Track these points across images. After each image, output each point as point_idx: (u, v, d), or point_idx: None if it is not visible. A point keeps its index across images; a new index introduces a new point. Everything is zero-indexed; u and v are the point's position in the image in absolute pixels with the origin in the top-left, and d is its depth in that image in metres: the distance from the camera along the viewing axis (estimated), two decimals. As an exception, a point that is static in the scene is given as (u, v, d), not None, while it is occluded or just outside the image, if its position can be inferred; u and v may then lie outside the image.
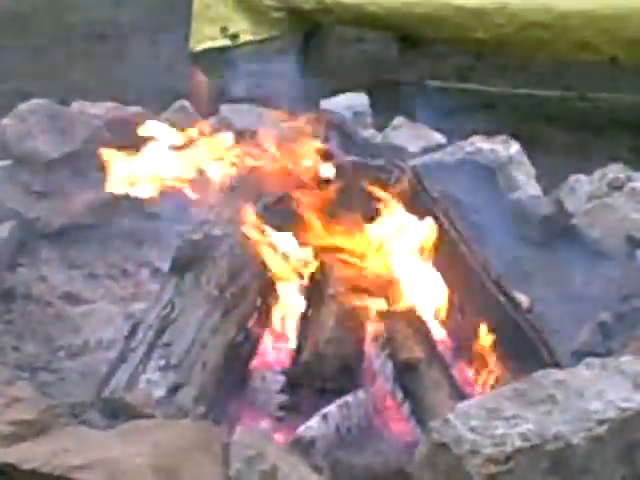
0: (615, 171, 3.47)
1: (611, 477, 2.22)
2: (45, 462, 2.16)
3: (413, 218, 2.78)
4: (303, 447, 2.37)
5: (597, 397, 2.23)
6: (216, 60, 4.88)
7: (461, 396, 2.55)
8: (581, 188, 3.44)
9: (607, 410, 2.19)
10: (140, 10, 6.60)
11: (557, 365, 2.62)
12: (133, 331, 2.66)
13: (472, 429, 2.11)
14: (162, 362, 2.54)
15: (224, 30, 4.79)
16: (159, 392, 2.48)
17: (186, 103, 3.75)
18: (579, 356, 2.70)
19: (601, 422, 2.17)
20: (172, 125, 3.61)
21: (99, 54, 5.91)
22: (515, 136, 3.73)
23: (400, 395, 2.60)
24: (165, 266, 3.00)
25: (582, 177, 3.48)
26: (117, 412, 2.48)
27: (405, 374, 2.60)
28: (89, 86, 5.06)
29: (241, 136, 3.12)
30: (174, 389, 2.49)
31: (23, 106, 3.52)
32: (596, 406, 2.20)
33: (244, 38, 4.83)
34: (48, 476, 2.15)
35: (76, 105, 3.61)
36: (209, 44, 4.83)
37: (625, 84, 5.15)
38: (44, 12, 6.58)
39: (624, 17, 4.34)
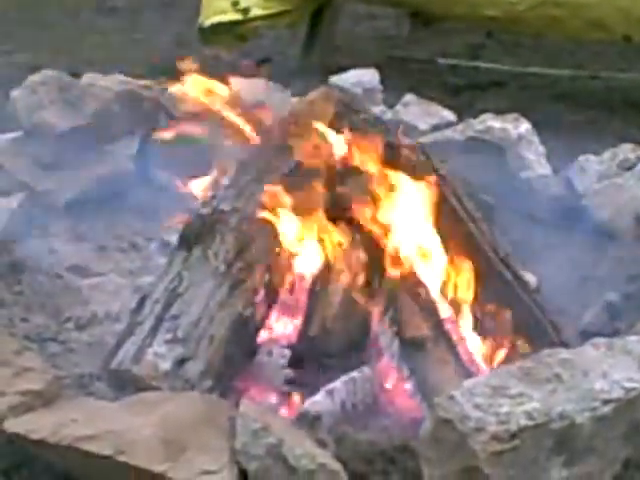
0: (626, 151, 3.47)
1: (615, 456, 2.24)
2: (53, 432, 2.17)
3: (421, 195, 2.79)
4: (308, 422, 2.38)
5: (603, 377, 2.23)
6: (227, 34, 4.89)
7: (467, 374, 2.56)
8: (591, 168, 3.44)
9: (612, 390, 2.20)
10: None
11: (564, 344, 2.63)
12: (141, 304, 2.67)
13: (477, 406, 2.12)
14: (169, 335, 2.55)
15: (235, 4, 4.77)
16: (166, 365, 2.49)
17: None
18: (586, 336, 2.71)
19: (606, 402, 2.18)
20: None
21: (110, 27, 5.91)
22: (525, 115, 3.72)
23: (406, 372, 2.61)
24: (174, 240, 3.01)
25: (592, 157, 3.48)
26: (124, 384, 2.50)
27: (411, 351, 2.62)
28: (99, 59, 5.07)
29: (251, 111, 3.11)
30: (181, 362, 2.50)
31: (33, 77, 3.51)
32: (601, 386, 2.21)
33: (255, 12, 4.81)
34: (56, 446, 2.17)
35: (86, 78, 3.60)
36: (220, 18, 4.81)
37: (638, 64, 5.14)
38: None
39: (639, -4, 4.34)
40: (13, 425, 2.23)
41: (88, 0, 6.35)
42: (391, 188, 2.75)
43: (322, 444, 2.27)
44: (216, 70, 4.52)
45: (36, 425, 2.21)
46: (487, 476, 2.07)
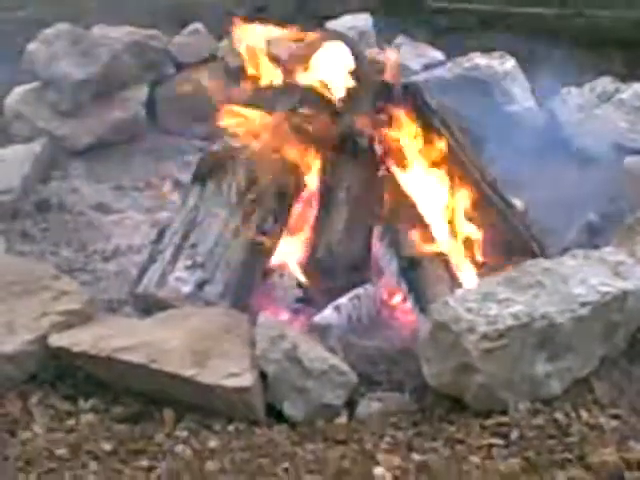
0: (604, 84, 3.68)
1: (593, 354, 2.48)
2: (92, 345, 2.42)
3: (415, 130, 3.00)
4: (319, 332, 2.61)
5: (580, 283, 2.47)
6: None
7: (460, 288, 2.79)
8: (572, 100, 3.65)
9: (589, 294, 2.44)
10: None
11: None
12: (161, 235, 2.90)
13: (469, 310, 2.36)
14: (189, 262, 2.78)
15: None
16: (187, 288, 2.73)
17: (199, 26, 3.93)
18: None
19: (584, 304, 2.42)
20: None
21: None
22: (512, 52, 3.90)
23: (405, 288, 2.85)
24: (185, 179, 3.24)
25: (573, 90, 3.68)
26: (149, 307, 2.73)
27: (409, 269, 2.85)
28: (100, 10, 5.19)
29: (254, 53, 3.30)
30: (201, 285, 2.74)
31: (48, 31, 3.72)
32: (579, 290, 2.45)
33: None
34: (95, 358, 2.40)
35: (97, 29, 3.79)
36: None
37: (620, 2, 5.27)
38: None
39: None
40: (56, 340, 2.47)
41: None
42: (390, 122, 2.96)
43: (332, 351, 2.50)
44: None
45: (77, 340, 2.45)
46: (478, 371, 2.31)
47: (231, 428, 2.32)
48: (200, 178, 2.97)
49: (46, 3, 5.41)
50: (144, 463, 2.23)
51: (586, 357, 2.46)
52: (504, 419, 2.31)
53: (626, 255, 2.64)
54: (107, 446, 2.28)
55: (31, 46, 3.70)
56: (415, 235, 2.89)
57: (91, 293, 2.82)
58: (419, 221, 2.91)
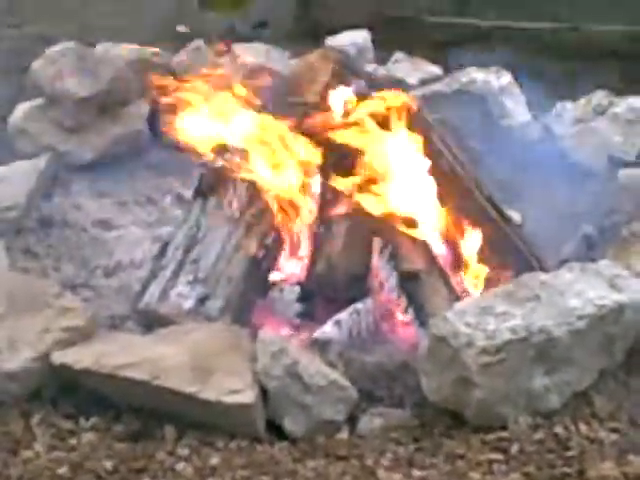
0: (599, 97, 3.71)
1: (591, 367, 2.51)
2: (95, 362, 2.45)
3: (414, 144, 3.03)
4: (319, 347, 2.63)
5: (577, 296, 2.50)
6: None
7: (458, 301, 2.81)
8: (567, 113, 3.69)
9: (586, 307, 2.47)
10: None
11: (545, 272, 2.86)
12: (163, 250, 2.93)
13: (467, 324, 2.40)
14: (190, 277, 2.81)
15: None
16: (189, 303, 2.76)
17: (201, 43, 3.97)
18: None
19: (581, 317, 2.45)
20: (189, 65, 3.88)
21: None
22: (509, 67, 3.93)
23: (404, 302, 2.86)
24: (187, 194, 3.26)
25: (568, 104, 3.72)
26: (151, 323, 2.76)
27: (408, 283, 2.86)
28: (104, 26, 5.23)
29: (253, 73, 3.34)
30: (202, 300, 2.77)
31: (53, 49, 3.74)
32: (576, 303, 2.48)
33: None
34: (98, 374, 2.43)
35: (100, 47, 3.82)
36: (218, -16, 5.01)
37: (616, 15, 5.30)
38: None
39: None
40: (59, 357, 2.50)
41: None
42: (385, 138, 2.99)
43: (332, 366, 2.53)
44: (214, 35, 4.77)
45: (79, 356, 2.48)
46: (477, 385, 2.34)
47: (233, 445, 2.35)
48: (202, 193, 3.00)
49: (52, 20, 5.46)
50: (145, 482, 2.25)
51: (584, 370, 2.49)
52: (504, 434, 2.34)
53: (622, 268, 2.67)
54: (108, 465, 2.30)
55: (36, 64, 3.74)
56: (414, 249, 2.91)
57: (93, 309, 2.85)
58: (417, 235, 2.93)
